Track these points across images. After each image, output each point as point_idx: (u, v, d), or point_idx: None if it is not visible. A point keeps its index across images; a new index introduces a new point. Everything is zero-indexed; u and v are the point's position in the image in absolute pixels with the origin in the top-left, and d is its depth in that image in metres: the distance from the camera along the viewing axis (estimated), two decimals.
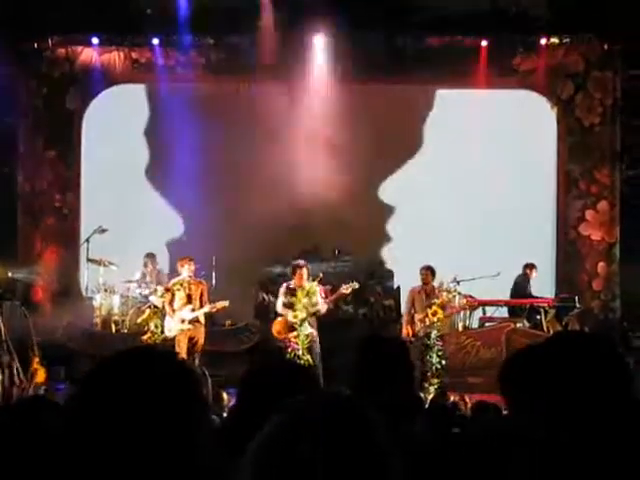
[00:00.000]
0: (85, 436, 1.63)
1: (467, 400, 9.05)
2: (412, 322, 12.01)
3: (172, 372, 1.73)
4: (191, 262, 11.83)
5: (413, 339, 11.69)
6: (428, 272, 12.07)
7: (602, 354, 1.87)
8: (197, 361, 11.52)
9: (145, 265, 14.05)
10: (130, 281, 14.08)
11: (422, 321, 11.87)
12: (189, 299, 11.63)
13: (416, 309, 12.01)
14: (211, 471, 1.98)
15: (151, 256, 14.14)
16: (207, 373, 10.79)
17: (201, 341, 11.64)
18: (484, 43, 15.41)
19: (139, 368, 1.71)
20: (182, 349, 11.28)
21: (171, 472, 1.64)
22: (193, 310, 11.58)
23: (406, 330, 11.96)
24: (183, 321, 11.54)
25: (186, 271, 11.73)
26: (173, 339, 11.58)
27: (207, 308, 11.66)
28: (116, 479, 1.60)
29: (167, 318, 11.77)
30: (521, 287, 14.21)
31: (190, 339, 11.55)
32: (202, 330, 11.71)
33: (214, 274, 14.22)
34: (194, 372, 1.81)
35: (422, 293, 12.03)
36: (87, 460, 1.62)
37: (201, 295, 11.73)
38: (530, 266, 14.29)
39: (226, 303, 11.75)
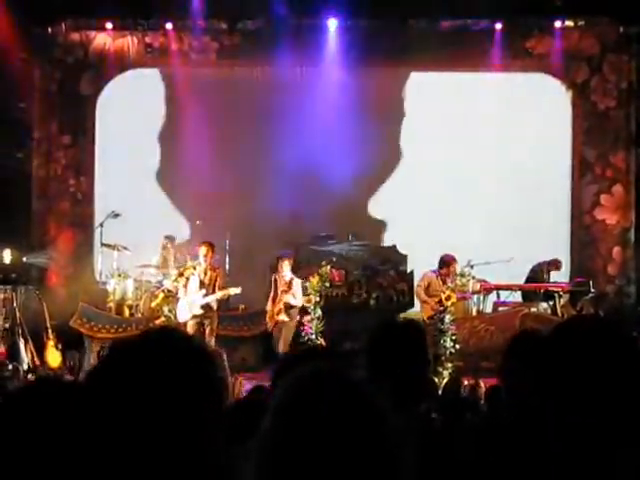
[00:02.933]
0: (104, 415, 1.63)
1: (482, 385, 9.02)
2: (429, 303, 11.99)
3: (192, 353, 1.74)
4: (209, 247, 11.75)
5: (428, 321, 11.68)
6: (451, 265, 11.98)
7: (614, 337, 1.86)
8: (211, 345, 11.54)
9: (164, 247, 14.07)
10: (148, 265, 14.08)
11: (436, 307, 11.85)
12: (203, 284, 11.62)
13: (431, 293, 11.98)
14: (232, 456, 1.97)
15: (170, 238, 14.16)
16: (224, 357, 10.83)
17: (213, 327, 11.61)
18: (499, 26, 15.33)
19: (160, 348, 1.71)
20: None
21: (189, 453, 1.65)
22: (206, 296, 11.56)
23: (431, 308, 11.92)
24: (194, 306, 11.53)
25: (202, 256, 11.69)
26: (186, 324, 11.58)
27: (219, 294, 11.63)
28: (134, 458, 1.61)
29: (180, 303, 11.77)
30: (537, 272, 14.15)
31: (202, 325, 11.55)
32: (214, 316, 11.67)
33: (227, 258, 14.22)
34: (213, 354, 1.82)
35: (439, 278, 11.99)
36: (106, 438, 1.62)
37: (215, 281, 11.69)
38: (555, 263, 14.22)
39: (238, 290, 11.75)
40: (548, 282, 14.16)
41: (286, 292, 11.80)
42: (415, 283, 12.86)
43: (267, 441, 1.43)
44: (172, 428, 1.63)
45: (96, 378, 1.72)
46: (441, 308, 11.76)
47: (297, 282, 11.92)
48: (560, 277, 14.59)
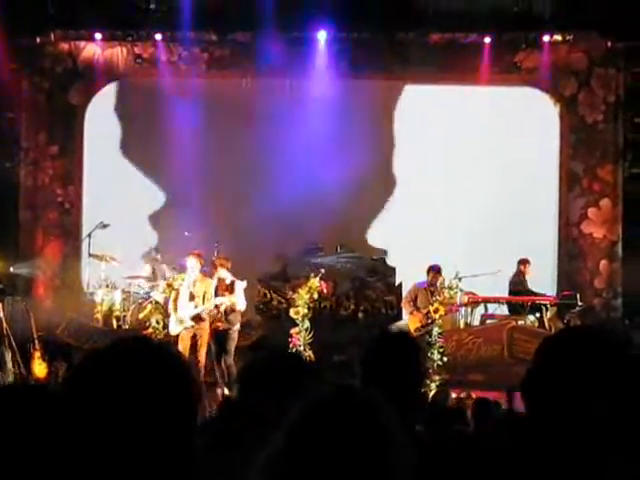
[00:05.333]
0: (76, 423, 1.63)
1: (474, 397, 9.03)
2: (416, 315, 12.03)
3: (163, 361, 1.73)
4: (198, 258, 11.70)
5: (415, 333, 11.68)
6: (438, 275, 12.10)
7: (610, 348, 1.86)
8: (202, 358, 11.40)
9: (151, 259, 14.05)
10: (137, 277, 14.04)
11: (423, 319, 11.87)
12: (192, 296, 11.55)
13: (419, 306, 12.01)
14: (207, 464, 1.97)
15: (156, 250, 14.15)
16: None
17: (205, 338, 11.53)
18: (487, 40, 15.37)
19: (130, 357, 1.71)
20: (185, 346, 11.19)
21: (159, 459, 1.64)
22: (195, 307, 11.49)
23: (419, 320, 11.97)
24: (184, 318, 11.46)
25: (191, 267, 11.63)
26: (177, 336, 11.50)
27: (208, 305, 11.51)
28: (105, 466, 1.60)
29: (171, 315, 11.69)
30: (517, 283, 14.19)
31: (193, 337, 11.47)
32: (206, 327, 11.59)
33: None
34: (185, 364, 1.82)
35: (427, 290, 12.02)
36: (77, 445, 1.61)
37: (205, 292, 11.62)
38: (524, 262, 14.24)
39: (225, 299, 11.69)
40: (527, 285, 14.15)
41: (224, 295, 11.53)
42: (403, 295, 12.88)
43: (280, 461, 1.42)
44: (140, 435, 1.63)
45: (67, 386, 1.72)
46: (429, 320, 11.78)
47: (240, 284, 11.71)
48: (547, 290, 14.62)
